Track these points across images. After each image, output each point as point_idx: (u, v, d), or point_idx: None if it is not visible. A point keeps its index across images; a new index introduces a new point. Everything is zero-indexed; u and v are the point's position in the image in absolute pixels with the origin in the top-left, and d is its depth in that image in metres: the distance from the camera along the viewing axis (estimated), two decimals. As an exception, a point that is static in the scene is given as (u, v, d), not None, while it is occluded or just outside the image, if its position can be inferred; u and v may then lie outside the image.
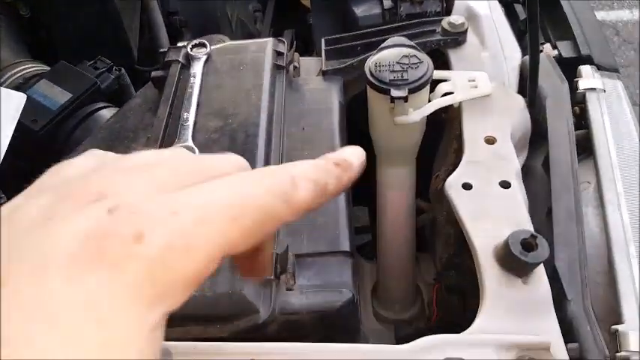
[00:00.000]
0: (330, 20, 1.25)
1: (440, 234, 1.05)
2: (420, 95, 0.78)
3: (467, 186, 0.69)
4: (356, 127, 0.89)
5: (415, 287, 1.08)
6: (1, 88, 0.66)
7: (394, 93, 0.75)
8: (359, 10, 1.06)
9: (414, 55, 0.79)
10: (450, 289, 0.85)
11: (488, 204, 0.66)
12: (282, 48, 0.88)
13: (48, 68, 0.93)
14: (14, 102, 0.62)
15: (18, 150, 0.67)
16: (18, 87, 0.85)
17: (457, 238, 0.97)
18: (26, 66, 0.90)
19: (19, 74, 0.88)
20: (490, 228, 0.63)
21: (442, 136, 1.01)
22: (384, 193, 0.94)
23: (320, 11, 1.27)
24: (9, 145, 0.63)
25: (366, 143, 0.86)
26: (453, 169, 0.93)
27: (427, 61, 0.78)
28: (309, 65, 0.92)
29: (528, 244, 0.58)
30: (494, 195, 0.68)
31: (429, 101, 0.81)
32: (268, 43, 0.87)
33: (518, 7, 1.47)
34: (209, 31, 1.26)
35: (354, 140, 0.84)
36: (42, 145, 0.80)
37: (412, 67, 0.78)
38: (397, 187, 0.93)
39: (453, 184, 0.69)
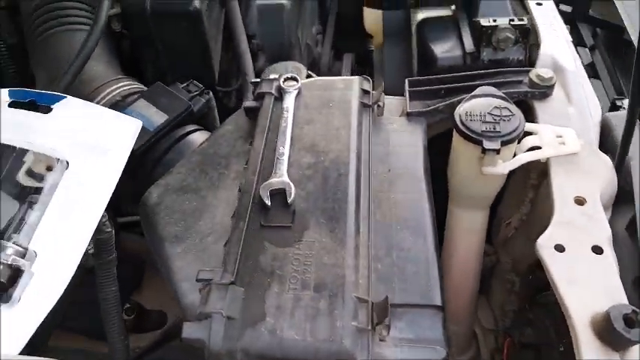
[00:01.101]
0: (401, 53, 1.26)
1: (502, 279, 1.04)
2: (510, 147, 0.79)
3: (559, 248, 0.68)
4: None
5: (472, 331, 1.08)
6: (120, 114, 0.69)
7: (487, 144, 0.75)
8: (439, 50, 1.07)
9: (506, 107, 0.80)
10: (524, 345, 0.84)
11: (581, 269, 0.66)
12: (368, 86, 0.89)
13: (142, 86, 0.96)
14: (132, 129, 0.65)
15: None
16: (115, 104, 0.88)
17: (522, 287, 0.97)
18: (123, 83, 0.94)
19: (117, 92, 0.91)
20: (586, 296, 0.63)
21: (510, 180, 1.01)
22: (455, 235, 0.94)
23: (392, 45, 1.28)
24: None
25: (438, 183, 0.86)
26: (528, 220, 0.93)
27: (519, 114, 0.79)
28: (391, 104, 0.93)
29: (630, 320, 0.58)
30: (588, 260, 0.67)
31: (515, 153, 0.81)
32: (355, 81, 0.89)
33: (582, 51, 1.47)
34: (282, 55, 1.29)
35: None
36: (136, 164, 0.83)
37: (504, 120, 0.78)
38: (469, 231, 0.93)
39: (545, 245, 0.69)
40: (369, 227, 0.69)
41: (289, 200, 0.69)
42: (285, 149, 0.76)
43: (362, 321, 0.58)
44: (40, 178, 0.62)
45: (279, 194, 0.70)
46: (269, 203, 0.69)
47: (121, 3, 1.02)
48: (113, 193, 0.79)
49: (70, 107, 0.66)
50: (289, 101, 0.83)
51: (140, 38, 1.06)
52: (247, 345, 0.56)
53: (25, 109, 0.65)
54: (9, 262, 0.54)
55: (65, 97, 0.67)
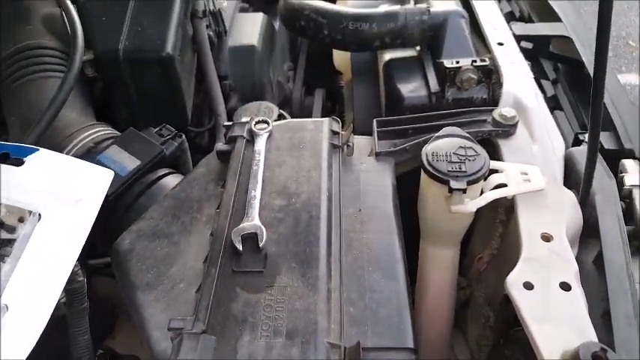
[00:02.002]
0: (370, 92, 1.30)
1: (477, 313, 1.05)
2: (476, 186, 0.81)
3: (528, 285, 0.70)
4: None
5: (448, 366, 1.08)
6: (92, 164, 0.69)
7: (453, 184, 0.77)
8: (405, 90, 1.10)
9: (471, 147, 0.82)
10: (498, 382, 0.84)
11: (550, 307, 0.67)
12: (337, 127, 0.91)
13: (115, 132, 0.96)
14: (104, 179, 0.65)
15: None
16: (89, 150, 0.88)
17: (497, 321, 0.98)
18: (96, 129, 0.93)
19: (90, 138, 0.91)
20: (555, 334, 0.64)
21: (479, 216, 1.03)
22: (426, 273, 0.95)
23: (361, 84, 1.32)
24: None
25: (408, 219, 0.87)
26: (499, 254, 0.95)
27: (484, 154, 0.82)
28: (360, 144, 0.95)
29: (598, 358, 0.59)
30: (556, 297, 0.69)
31: (482, 190, 0.84)
32: (325, 122, 0.91)
33: (546, 84, 1.53)
34: (254, 95, 1.31)
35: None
36: (108, 209, 0.82)
37: (469, 159, 0.80)
38: (441, 268, 0.94)
39: (514, 283, 0.70)
40: (342, 270, 0.70)
41: (260, 245, 0.69)
42: (256, 192, 0.76)
43: (334, 367, 0.58)
44: (12, 229, 0.62)
45: (251, 238, 0.70)
46: (240, 248, 0.69)
47: (94, 49, 1.03)
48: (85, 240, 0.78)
49: (42, 159, 0.66)
50: (260, 144, 0.85)
51: (113, 83, 1.07)
52: (219, 397, 0.55)
53: (-1, 161, 0.65)
54: (-21, 316, 0.53)
55: (38, 149, 0.67)
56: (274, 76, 1.51)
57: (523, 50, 1.22)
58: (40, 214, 0.61)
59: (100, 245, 0.88)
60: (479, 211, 0.94)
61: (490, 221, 0.98)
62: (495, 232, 0.95)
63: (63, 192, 0.63)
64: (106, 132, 0.95)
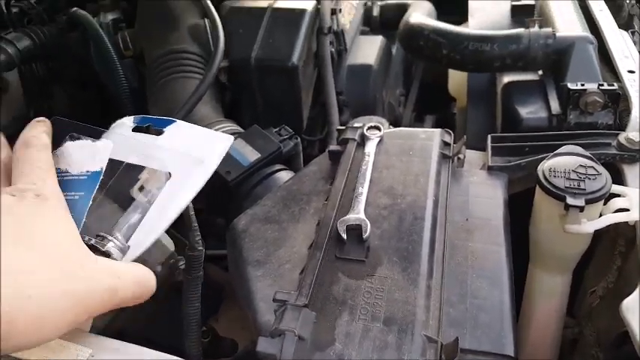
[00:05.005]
0: (485, 115, 1.28)
1: (584, 354, 0.97)
2: (595, 207, 0.76)
3: (649, 312, 0.64)
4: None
5: (548, 409, 0.99)
6: (217, 132, 0.77)
7: (570, 201, 0.74)
8: (524, 111, 1.08)
9: (592, 167, 0.78)
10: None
11: (674, 338, 0.61)
12: (449, 139, 0.92)
13: (240, 129, 1.07)
14: (223, 143, 0.72)
15: (209, 193, 0.75)
16: (217, 142, 0.99)
17: (607, 364, 0.89)
18: (224, 125, 1.04)
19: (219, 131, 1.02)
20: (678, 366, 0.58)
21: (597, 246, 0.96)
22: (533, 299, 0.90)
23: (476, 105, 1.31)
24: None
25: (519, 243, 0.84)
26: (615, 289, 0.88)
27: (606, 174, 0.77)
28: (471, 158, 0.94)
29: None
30: (682, 330, 0.62)
31: (601, 214, 0.79)
32: (436, 133, 0.92)
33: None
34: (366, 111, 1.36)
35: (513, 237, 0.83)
36: (228, 194, 0.90)
37: (590, 178, 0.77)
38: (550, 296, 0.89)
39: (631, 308, 0.65)
40: (443, 272, 0.70)
41: (364, 236, 0.71)
42: (363, 189, 0.79)
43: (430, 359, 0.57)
44: (149, 194, 0.70)
45: (355, 230, 0.73)
46: (345, 237, 0.72)
47: (230, 58, 1.16)
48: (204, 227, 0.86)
49: (177, 129, 0.76)
50: (371, 147, 0.88)
51: (242, 89, 1.18)
52: (315, 367, 0.57)
53: (144, 132, 0.75)
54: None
55: (175, 120, 0.76)
56: (387, 98, 1.56)
57: (658, 83, 1.14)
58: (170, 174, 0.69)
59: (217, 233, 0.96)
60: (596, 240, 0.89)
61: (608, 252, 0.91)
62: (613, 264, 0.88)
63: (191, 154, 0.70)
64: (233, 127, 1.05)
